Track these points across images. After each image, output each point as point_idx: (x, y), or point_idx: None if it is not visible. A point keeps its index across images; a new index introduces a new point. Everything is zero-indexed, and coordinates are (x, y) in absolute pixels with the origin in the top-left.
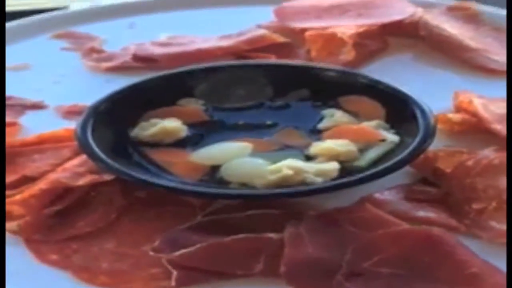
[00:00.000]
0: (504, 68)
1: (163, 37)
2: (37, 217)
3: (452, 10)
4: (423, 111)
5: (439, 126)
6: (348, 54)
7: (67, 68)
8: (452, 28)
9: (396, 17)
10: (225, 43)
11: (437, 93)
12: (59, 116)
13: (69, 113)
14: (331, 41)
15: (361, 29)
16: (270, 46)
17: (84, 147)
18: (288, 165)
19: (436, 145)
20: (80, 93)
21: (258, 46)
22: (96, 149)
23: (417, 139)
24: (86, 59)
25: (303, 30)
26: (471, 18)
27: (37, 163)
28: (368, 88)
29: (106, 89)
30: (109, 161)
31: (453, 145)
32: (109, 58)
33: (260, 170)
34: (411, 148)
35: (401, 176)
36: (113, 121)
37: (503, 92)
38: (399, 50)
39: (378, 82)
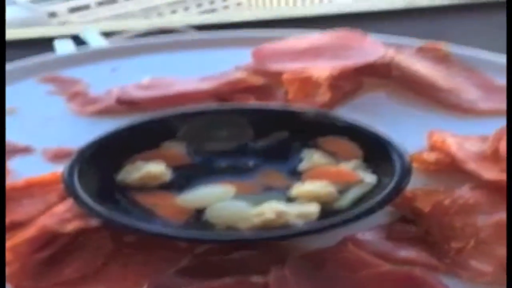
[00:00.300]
0: (477, 107)
1: (145, 80)
2: (26, 264)
3: (422, 51)
4: (399, 151)
5: (415, 165)
6: (323, 96)
7: (53, 111)
8: (424, 68)
9: (369, 58)
10: (205, 85)
11: (412, 132)
12: (46, 159)
13: (56, 156)
14: (307, 83)
15: (336, 71)
16: (250, 88)
17: (71, 193)
18: (271, 208)
19: (414, 184)
20: (66, 137)
21: (237, 88)
22: (83, 195)
23: (395, 180)
24: (71, 102)
25: (281, 72)
26: (442, 59)
27: (26, 208)
28: (345, 129)
29: (92, 132)
30: (95, 207)
31: (429, 183)
32: (93, 101)
33: (244, 213)
34: (389, 188)
35: (381, 215)
36: (99, 165)
37: (477, 130)
38: (373, 90)
39: (354, 123)
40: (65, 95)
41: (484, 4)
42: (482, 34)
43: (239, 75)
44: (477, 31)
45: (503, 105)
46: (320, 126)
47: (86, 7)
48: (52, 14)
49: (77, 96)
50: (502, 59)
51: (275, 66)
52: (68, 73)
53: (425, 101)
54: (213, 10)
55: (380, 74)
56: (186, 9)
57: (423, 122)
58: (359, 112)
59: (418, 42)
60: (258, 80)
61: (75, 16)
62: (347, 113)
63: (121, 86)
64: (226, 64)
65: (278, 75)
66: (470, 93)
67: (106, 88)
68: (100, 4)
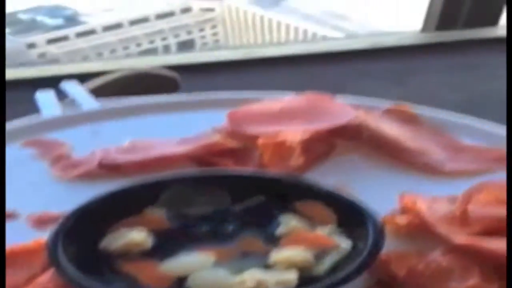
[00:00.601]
0: (446, 167)
1: (125, 143)
2: None
3: (389, 113)
4: (371, 216)
5: (387, 227)
6: (297, 160)
7: (36, 175)
8: (392, 129)
9: (340, 121)
10: (183, 149)
11: (384, 194)
12: (30, 225)
13: (40, 222)
14: (281, 148)
15: (307, 135)
16: (226, 151)
17: (54, 263)
18: (251, 277)
19: (387, 246)
20: (50, 201)
21: (214, 151)
22: (66, 265)
23: (370, 245)
24: (54, 167)
25: (256, 135)
26: (408, 120)
27: (11, 277)
28: (320, 194)
29: (75, 196)
30: (77, 277)
31: (401, 246)
32: (76, 165)
33: (225, 282)
34: (365, 254)
35: (357, 280)
36: (82, 233)
37: (446, 191)
38: (344, 153)
39: (328, 189)
40: (49, 159)
41: (449, 43)
42: (447, 73)
43: (215, 138)
44: (441, 70)
45: (470, 165)
46: (296, 190)
47: (65, 38)
48: (31, 45)
49: (59, 160)
50: (467, 120)
51: (250, 130)
52: (52, 136)
53: (396, 162)
54: (190, 40)
55: (351, 136)
56: (164, 39)
57: (395, 183)
58: (332, 175)
59: (385, 103)
60: (233, 144)
61: (53, 47)
62: (321, 175)
63: (103, 149)
64: (204, 126)
65: (253, 138)
66: (437, 153)
67: (89, 151)
68: (78, 35)
